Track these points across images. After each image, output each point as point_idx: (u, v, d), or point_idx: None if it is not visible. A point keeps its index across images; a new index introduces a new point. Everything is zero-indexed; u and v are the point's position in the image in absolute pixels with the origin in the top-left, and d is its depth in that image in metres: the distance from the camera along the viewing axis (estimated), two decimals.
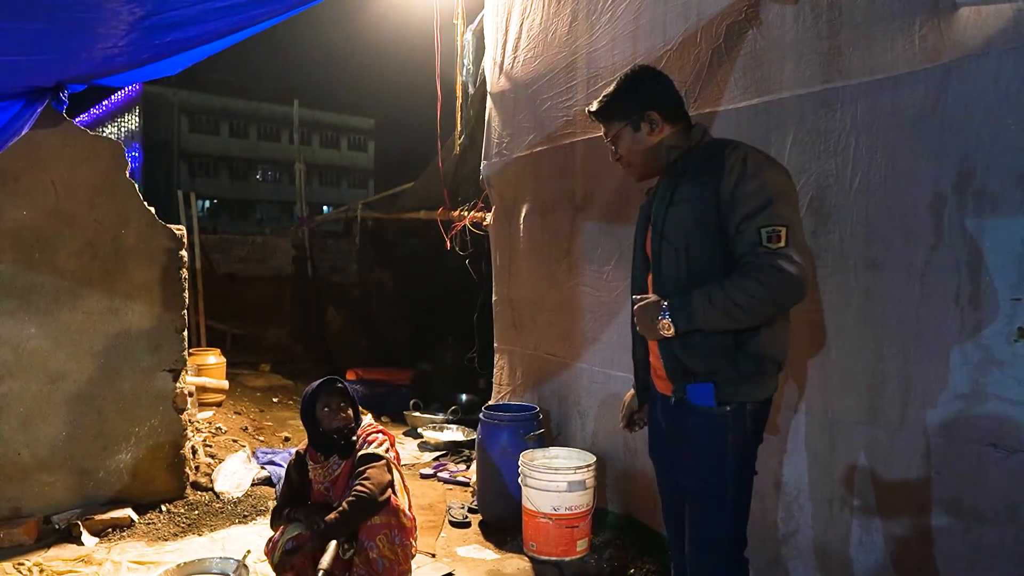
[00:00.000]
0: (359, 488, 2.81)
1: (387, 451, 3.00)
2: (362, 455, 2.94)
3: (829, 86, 2.57)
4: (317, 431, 3.05)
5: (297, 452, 3.18)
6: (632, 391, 2.49)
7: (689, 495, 2.16)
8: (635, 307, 2.09)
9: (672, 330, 1.98)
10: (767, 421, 2.14)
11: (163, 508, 4.11)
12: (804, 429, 2.72)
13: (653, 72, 2.24)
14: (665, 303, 1.99)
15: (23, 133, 3.40)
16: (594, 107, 2.24)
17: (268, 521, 3.22)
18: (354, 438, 3.04)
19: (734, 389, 2.03)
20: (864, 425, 2.50)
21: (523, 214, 4.53)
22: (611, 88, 2.22)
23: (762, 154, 2.05)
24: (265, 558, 3.00)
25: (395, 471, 3.02)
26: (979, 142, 2.15)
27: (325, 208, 25.97)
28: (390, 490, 2.90)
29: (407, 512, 2.98)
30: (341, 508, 2.79)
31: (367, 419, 3.22)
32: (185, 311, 4.30)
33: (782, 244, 1.87)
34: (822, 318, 2.61)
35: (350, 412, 3.04)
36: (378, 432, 3.07)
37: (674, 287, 2.06)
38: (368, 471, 2.86)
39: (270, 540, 2.97)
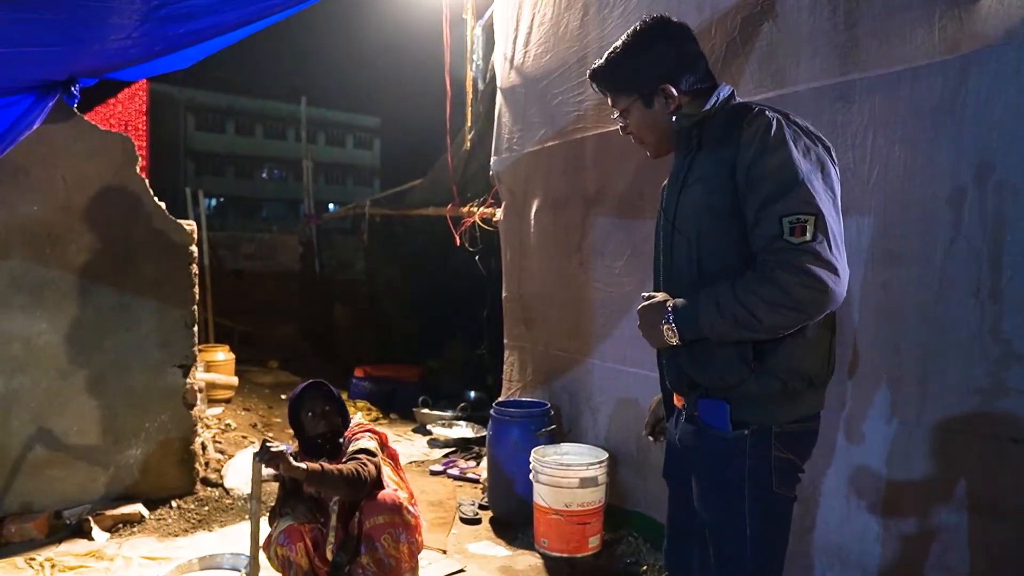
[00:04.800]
0: (356, 467, 2.73)
1: (376, 448, 2.95)
2: (354, 449, 2.88)
3: (846, 78, 2.55)
4: (303, 435, 3.03)
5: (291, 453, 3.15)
6: (659, 396, 2.12)
7: (707, 529, 1.85)
8: (639, 308, 1.77)
9: (677, 338, 1.67)
10: (814, 442, 1.83)
11: (173, 504, 4.12)
12: (820, 424, 2.69)
13: (668, 28, 1.81)
14: (671, 305, 1.69)
15: (34, 127, 3.40)
16: (598, 66, 1.86)
17: None
18: (341, 440, 2.99)
19: (754, 409, 1.69)
20: (881, 420, 2.47)
21: (534, 210, 4.52)
22: (618, 48, 1.82)
23: (794, 123, 1.67)
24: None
25: (384, 467, 2.96)
26: (1000, 134, 2.13)
27: (331, 206, 26.02)
28: (382, 486, 2.86)
29: (410, 509, 2.93)
30: (337, 468, 2.69)
31: (356, 418, 3.17)
32: (195, 307, 4.30)
33: (807, 238, 1.51)
34: (838, 312, 2.58)
35: (335, 416, 2.98)
36: (366, 432, 3.01)
37: (687, 285, 1.73)
38: (364, 459, 2.80)
39: (268, 536, 2.98)
